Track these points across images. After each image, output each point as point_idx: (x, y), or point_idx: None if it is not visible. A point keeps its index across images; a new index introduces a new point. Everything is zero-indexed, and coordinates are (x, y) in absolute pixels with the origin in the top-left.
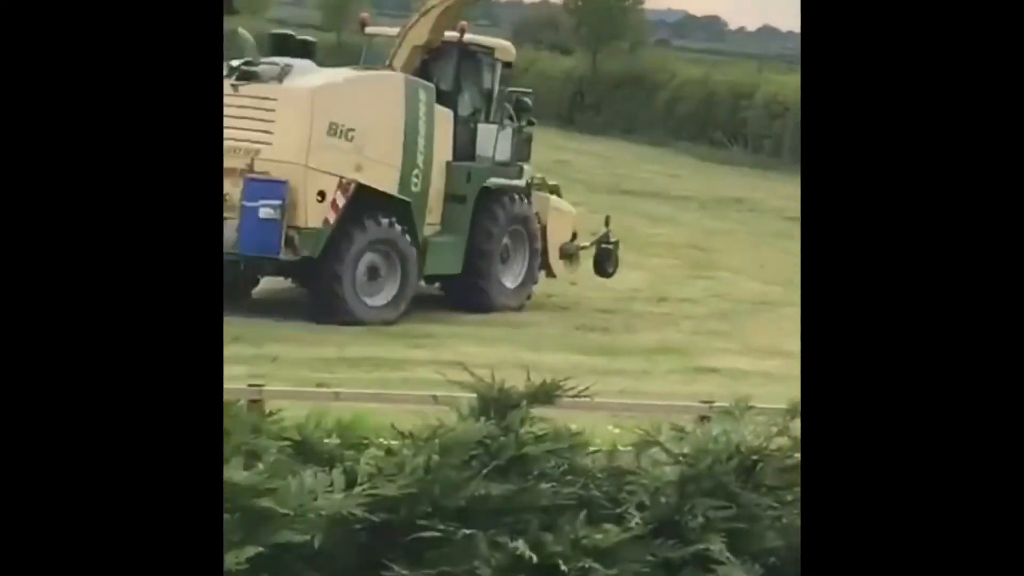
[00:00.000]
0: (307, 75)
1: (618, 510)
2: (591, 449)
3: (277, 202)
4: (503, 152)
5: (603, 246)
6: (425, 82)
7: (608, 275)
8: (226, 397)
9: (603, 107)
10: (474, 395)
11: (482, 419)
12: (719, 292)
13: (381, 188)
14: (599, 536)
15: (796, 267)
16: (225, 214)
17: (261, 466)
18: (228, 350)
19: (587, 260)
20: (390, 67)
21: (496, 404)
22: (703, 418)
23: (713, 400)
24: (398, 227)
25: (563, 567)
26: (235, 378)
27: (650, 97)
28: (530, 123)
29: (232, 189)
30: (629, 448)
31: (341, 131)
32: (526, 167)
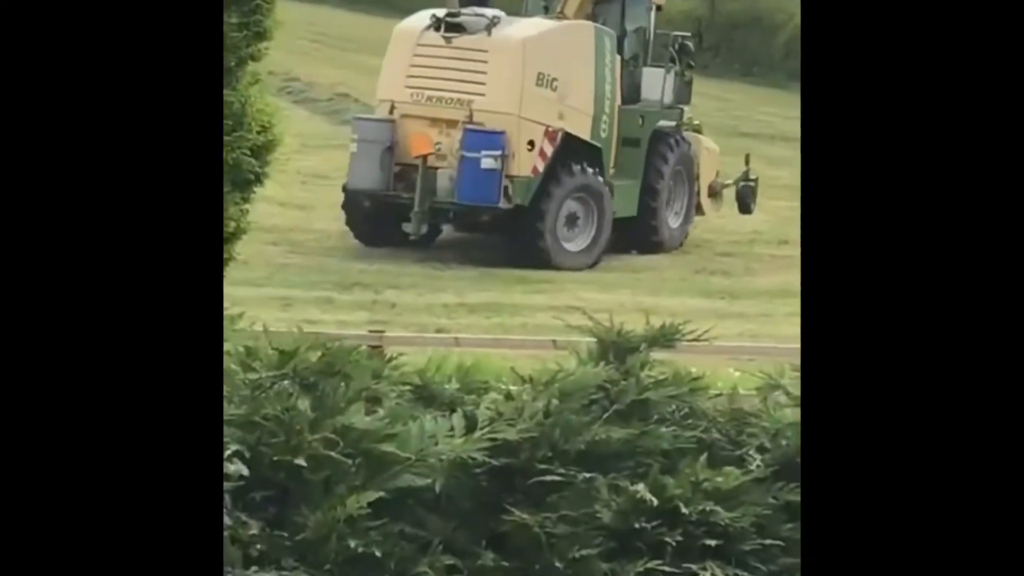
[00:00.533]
0: (512, 26)
1: (739, 453)
2: (712, 393)
3: (497, 152)
4: (668, 95)
5: (744, 184)
6: (608, 29)
7: (750, 212)
8: (347, 343)
9: (721, 49)
10: (593, 339)
11: (601, 363)
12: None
13: (579, 135)
14: (720, 479)
15: None
16: (437, 163)
17: (382, 411)
18: (349, 295)
19: (729, 198)
20: (561, 13)
21: (615, 348)
22: None
23: None
24: (590, 172)
25: (684, 510)
26: (356, 324)
27: (768, 39)
28: (690, 66)
29: (443, 139)
30: (751, 391)
31: (547, 80)
32: (685, 109)
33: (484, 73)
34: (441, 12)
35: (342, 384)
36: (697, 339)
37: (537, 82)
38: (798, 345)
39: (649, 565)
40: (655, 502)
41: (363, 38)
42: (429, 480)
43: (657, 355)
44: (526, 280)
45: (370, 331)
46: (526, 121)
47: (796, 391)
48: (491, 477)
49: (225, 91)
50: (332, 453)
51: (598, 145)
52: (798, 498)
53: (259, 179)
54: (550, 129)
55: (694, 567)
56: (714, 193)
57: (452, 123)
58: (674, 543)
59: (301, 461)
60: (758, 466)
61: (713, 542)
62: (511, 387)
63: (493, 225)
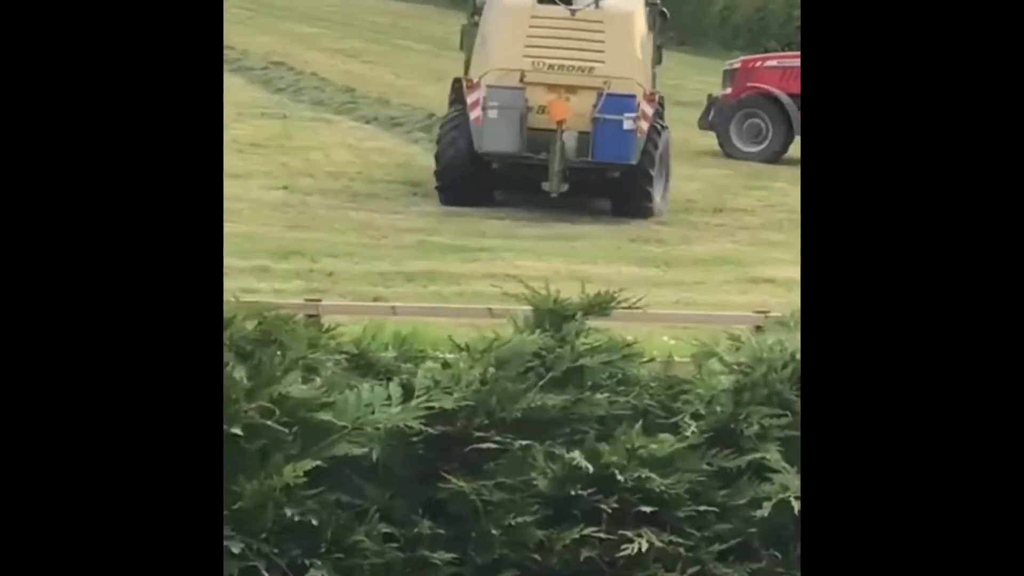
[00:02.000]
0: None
1: (673, 419)
2: (646, 359)
3: (634, 114)
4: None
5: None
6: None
7: None
8: (283, 312)
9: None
10: (529, 308)
11: (538, 331)
12: (774, 202)
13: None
14: (655, 446)
15: None
16: (556, 126)
17: (319, 380)
18: (285, 264)
19: None
20: None
21: (551, 316)
22: (758, 328)
23: (768, 310)
24: (665, 131)
25: (619, 477)
26: (292, 293)
27: (703, 7)
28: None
29: (558, 102)
30: (685, 359)
31: (642, 48)
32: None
33: (602, 42)
34: None
35: (278, 353)
36: (632, 307)
37: (639, 50)
38: (732, 312)
39: (585, 532)
40: (591, 469)
41: (296, 7)
42: (366, 449)
43: (593, 323)
44: (463, 249)
45: (307, 300)
46: (637, 85)
47: (730, 358)
48: (428, 445)
49: None
50: (268, 422)
51: (662, 107)
52: (732, 464)
53: None
54: (648, 92)
55: (629, 533)
56: None
57: (571, 88)
58: (609, 510)
59: (237, 430)
60: (692, 432)
61: (648, 509)
62: (448, 355)
63: (610, 184)
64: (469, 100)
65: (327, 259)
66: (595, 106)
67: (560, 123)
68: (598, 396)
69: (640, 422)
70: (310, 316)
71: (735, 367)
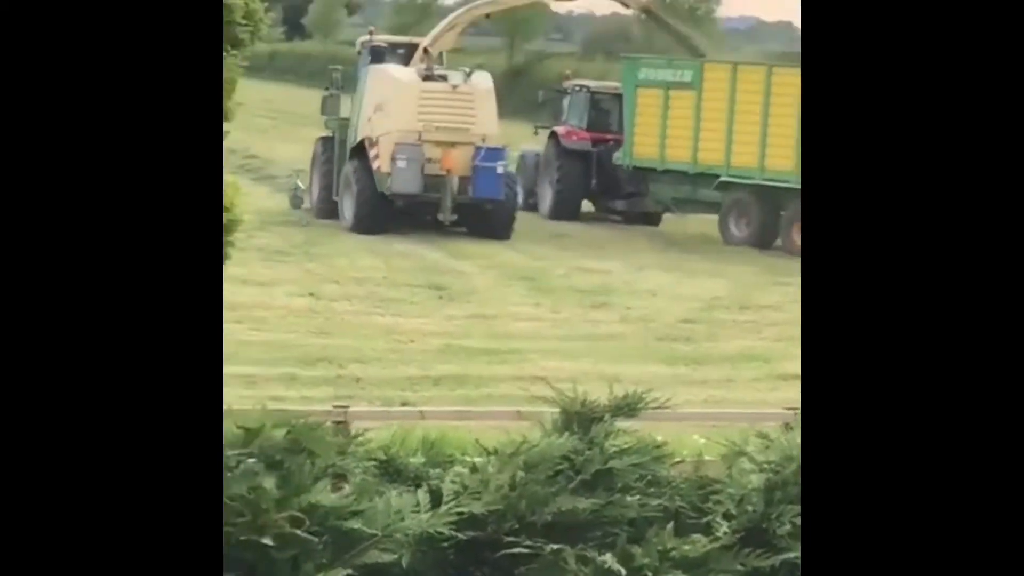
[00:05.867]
0: (476, 75)
1: (705, 520)
2: (676, 460)
3: (504, 162)
4: None
5: None
6: None
7: None
8: (312, 419)
9: None
10: (557, 409)
11: (566, 434)
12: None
13: None
14: (687, 547)
15: None
16: (446, 173)
17: (348, 488)
18: (312, 371)
19: None
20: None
21: (580, 418)
22: (787, 426)
23: (797, 407)
24: None
25: None
26: (320, 399)
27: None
28: None
29: (447, 154)
30: (715, 458)
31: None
32: None
33: (473, 109)
34: (430, 70)
35: (308, 461)
36: (661, 407)
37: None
38: (762, 410)
39: None
40: (623, 572)
41: (316, 114)
42: (396, 556)
43: (621, 424)
44: (490, 351)
45: (334, 406)
46: (495, 139)
47: (760, 457)
48: (458, 551)
49: None
50: (299, 531)
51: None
52: (765, 564)
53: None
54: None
55: None
56: None
57: (453, 144)
58: None
59: (268, 540)
60: (724, 533)
61: None
62: (476, 459)
63: (484, 214)
64: (371, 153)
65: (354, 365)
66: (474, 157)
67: (448, 170)
68: (629, 498)
69: (672, 523)
70: (338, 423)
71: (765, 466)
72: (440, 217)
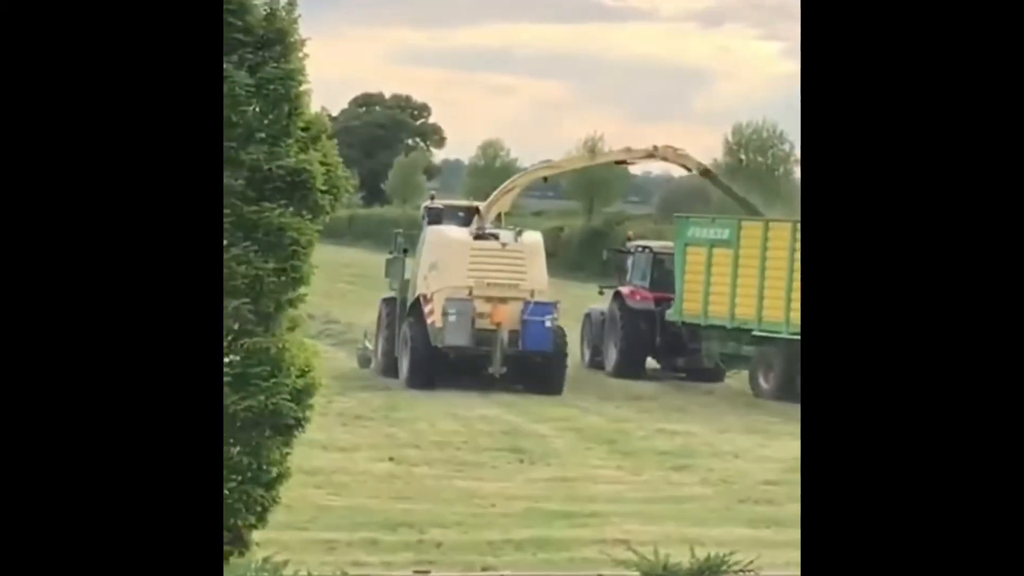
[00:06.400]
0: (526, 234)
1: None
2: None
3: (553, 315)
4: None
5: None
6: None
7: None
8: None
9: None
10: (639, 574)
11: None
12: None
13: None
14: None
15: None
16: (496, 327)
17: None
18: (393, 535)
19: None
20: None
21: None
22: None
23: None
24: None
25: None
26: (401, 564)
27: None
28: None
29: (497, 309)
30: None
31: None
32: None
33: (523, 266)
34: (482, 229)
35: None
36: (743, 569)
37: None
38: None
39: None
40: None
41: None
42: None
43: None
44: (571, 515)
45: (415, 572)
46: (544, 294)
47: None
48: None
49: (262, 338)
50: None
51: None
52: None
53: (300, 423)
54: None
55: None
56: None
57: (503, 299)
58: None
59: None
60: None
61: None
62: None
63: (534, 366)
64: (426, 309)
65: (435, 529)
66: (523, 311)
67: (498, 324)
68: None
69: None
70: None
71: None
72: (491, 370)
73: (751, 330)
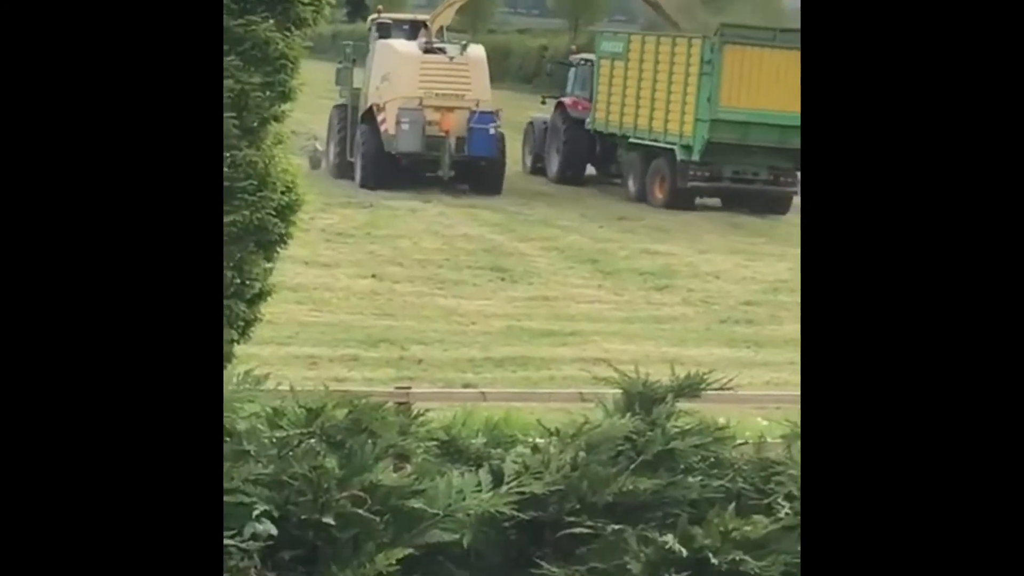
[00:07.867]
0: (471, 48)
1: (767, 501)
2: (738, 441)
3: (497, 123)
4: None
5: None
6: None
7: None
8: (374, 400)
9: None
10: (619, 391)
11: (628, 415)
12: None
13: None
14: (748, 528)
15: None
16: (444, 134)
17: (410, 468)
18: (375, 352)
19: None
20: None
21: (641, 399)
22: None
23: None
24: None
25: (713, 560)
26: (383, 380)
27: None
28: None
29: (446, 117)
30: (777, 439)
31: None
32: None
33: (468, 77)
34: (431, 43)
35: (369, 441)
36: (723, 388)
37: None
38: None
39: None
40: (684, 552)
41: None
42: (458, 535)
43: (683, 405)
44: (552, 333)
45: (396, 388)
46: (488, 104)
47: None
48: (520, 531)
49: (249, 151)
50: (360, 511)
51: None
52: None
53: (283, 239)
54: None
55: None
56: None
57: (451, 108)
58: None
59: (330, 519)
60: (787, 514)
61: None
62: (538, 440)
63: (479, 170)
64: (379, 118)
65: (416, 346)
66: (469, 120)
67: (446, 132)
68: (690, 479)
69: (733, 504)
70: (400, 404)
71: None
72: (440, 173)
73: (633, 138)
